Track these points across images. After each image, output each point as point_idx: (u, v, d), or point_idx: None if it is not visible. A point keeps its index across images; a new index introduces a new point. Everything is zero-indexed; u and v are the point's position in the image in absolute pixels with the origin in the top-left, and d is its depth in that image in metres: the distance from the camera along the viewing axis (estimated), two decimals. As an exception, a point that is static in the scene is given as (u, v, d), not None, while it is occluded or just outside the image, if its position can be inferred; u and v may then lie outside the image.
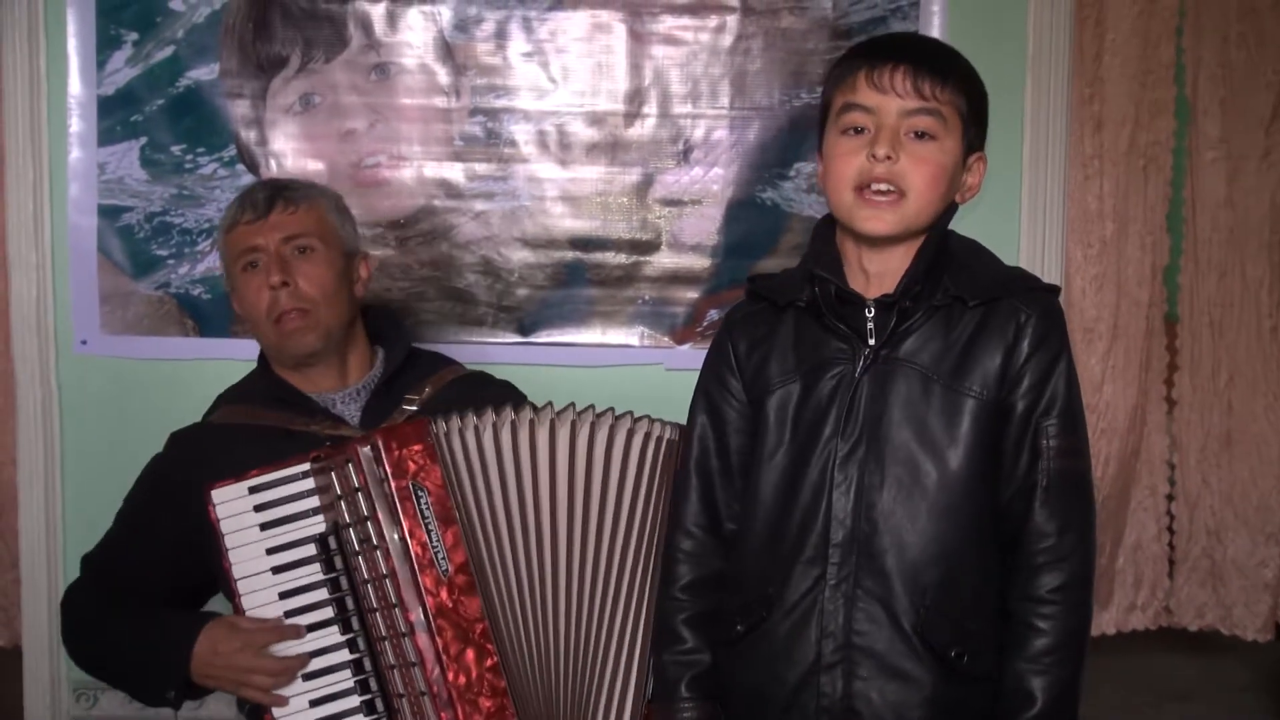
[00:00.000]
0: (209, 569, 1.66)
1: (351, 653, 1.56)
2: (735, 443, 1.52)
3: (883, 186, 1.39)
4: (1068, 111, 2.38)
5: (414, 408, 1.78)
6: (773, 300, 1.50)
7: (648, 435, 1.65)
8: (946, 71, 1.41)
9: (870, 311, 1.42)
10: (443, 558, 1.51)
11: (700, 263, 2.38)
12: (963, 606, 1.40)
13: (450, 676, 1.49)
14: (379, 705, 1.55)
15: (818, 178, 1.51)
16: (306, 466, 1.59)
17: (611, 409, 1.67)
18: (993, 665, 1.40)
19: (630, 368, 2.39)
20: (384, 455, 1.51)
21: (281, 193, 1.83)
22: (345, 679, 1.56)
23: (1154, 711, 2.87)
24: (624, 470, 1.63)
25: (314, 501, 1.58)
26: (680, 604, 1.52)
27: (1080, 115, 2.40)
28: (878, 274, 1.44)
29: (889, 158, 1.38)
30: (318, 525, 1.58)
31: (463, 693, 1.49)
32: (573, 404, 1.66)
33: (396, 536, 1.51)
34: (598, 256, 2.38)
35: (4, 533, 2.44)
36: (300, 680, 1.56)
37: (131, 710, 2.39)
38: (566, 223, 2.37)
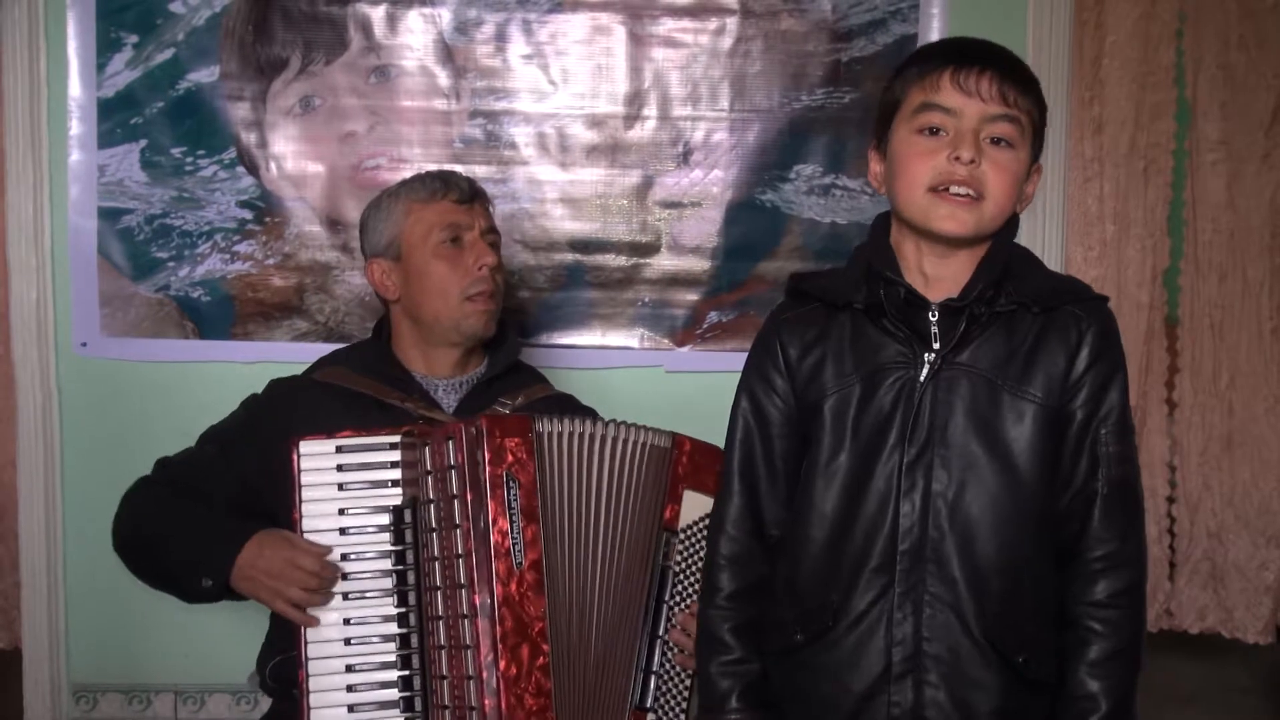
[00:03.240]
0: (270, 514, 1.67)
1: (400, 627, 1.57)
2: (781, 447, 1.49)
3: (962, 190, 1.37)
4: (1068, 114, 2.38)
5: (506, 411, 1.81)
6: (827, 301, 1.48)
7: (647, 446, 1.65)
8: (1026, 80, 1.41)
9: (934, 315, 1.41)
10: (519, 550, 1.53)
11: (700, 265, 2.38)
12: (1027, 612, 1.39)
13: (503, 666, 1.50)
14: (416, 683, 1.56)
15: (871, 175, 1.49)
16: (397, 439, 1.61)
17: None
18: (1054, 670, 1.39)
19: (630, 370, 2.39)
20: (486, 439, 1.54)
21: (480, 191, 1.92)
22: (389, 651, 1.57)
23: (1155, 714, 2.85)
24: (633, 483, 1.65)
25: (395, 474, 1.60)
26: (725, 612, 1.49)
27: (1080, 117, 2.40)
28: (937, 278, 1.43)
29: (973, 162, 1.36)
30: (395, 498, 1.60)
31: (511, 684, 1.50)
32: (645, 428, 1.66)
33: (482, 520, 1.53)
34: (598, 259, 2.38)
35: (4, 535, 2.44)
36: (341, 645, 1.57)
37: (131, 712, 2.40)
38: (566, 225, 2.37)
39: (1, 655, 2.48)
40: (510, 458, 1.55)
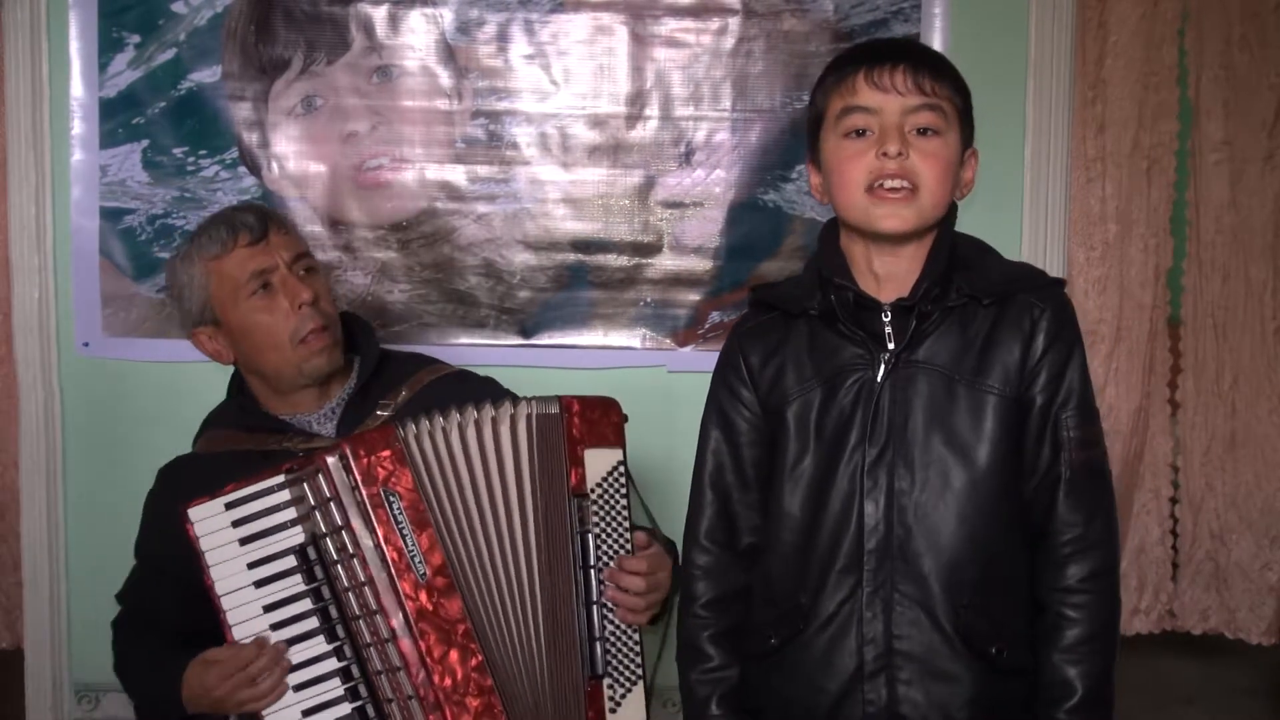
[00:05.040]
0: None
1: (339, 661, 1.56)
2: (750, 455, 1.51)
3: (896, 184, 1.39)
4: (1070, 113, 2.38)
5: (388, 413, 1.77)
6: (784, 309, 1.50)
7: (533, 416, 1.62)
8: (940, 68, 1.42)
9: (887, 315, 1.42)
10: (419, 562, 1.52)
11: (702, 265, 2.38)
12: (999, 603, 1.40)
13: (436, 679, 1.51)
14: (370, 711, 1.55)
15: (813, 190, 1.50)
16: (280, 479, 1.58)
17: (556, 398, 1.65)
18: (1030, 658, 1.40)
19: (632, 370, 2.39)
20: (352, 464, 1.52)
21: (267, 215, 1.80)
22: (334, 687, 1.56)
23: (1157, 715, 2.86)
24: (520, 454, 1.62)
25: (291, 513, 1.57)
26: (703, 621, 1.51)
27: (1083, 117, 2.40)
28: (888, 277, 1.44)
29: (900, 154, 1.38)
30: (296, 537, 1.57)
31: (449, 694, 1.51)
32: (530, 399, 1.65)
33: (371, 544, 1.52)
34: (599, 259, 2.38)
35: (6, 535, 2.44)
36: (291, 692, 1.56)
37: (132, 712, 2.39)
38: (568, 225, 2.37)
39: (4, 655, 2.48)
40: (382, 472, 1.53)
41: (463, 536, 1.56)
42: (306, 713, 1.55)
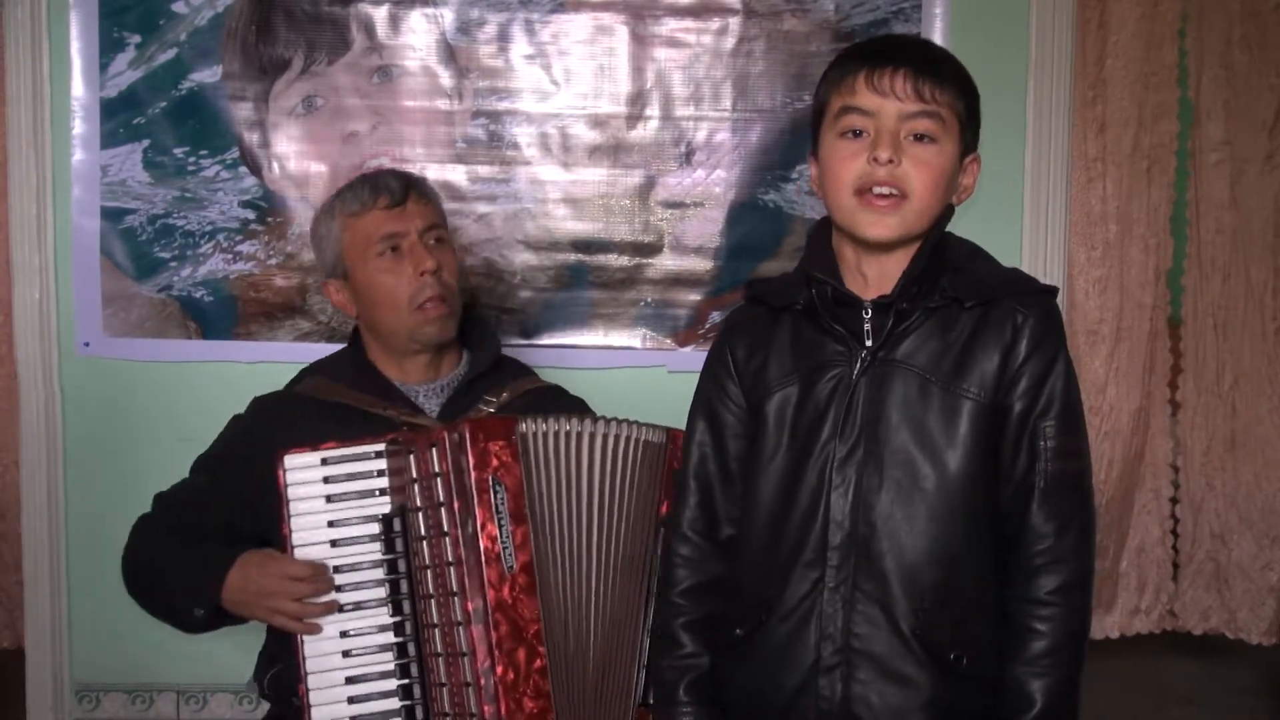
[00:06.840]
0: (263, 534, 1.68)
1: (396, 636, 1.57)
2: (734, 448, 1.51)
3: (885, 190, 1.38)
4: (1070, 114, 2.38)
5: (491, 410, 1.80)
6: (770, 304, 1.50)
7: (641, 441, 1.65)
8: (945, 74, 1.41)
9: (867, 313, 1.42)
10: (510, 554, 1.53)
11: (702, 265, 2.38)
12: (962, 608, 1.39)
13: (499, 671, 1.50)
14: (416, 691, 1.56)
15: (811, 181, 1.50)
16: (381, 447, 1.61)
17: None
18: (993, 666, 1.39)
19: (633, 370, 2.39)
20: (469, 445, 1.53)
21: (413, 183, 1.86)
22: (386, 661, 1.57)
23: (1157, 715, 2.86)
24: (631, 478, 1.64)
25: (382, 482, 1.60)
26: (679, 608, 1.51)
27: (1083, 117, 2.40)
28: (876, 277, 1.44)
29: (891, 161, 1.37)
30: (383, 506, 1.59)
31: (509, 689, 1.50)
32: (637, 424, 1.66)
33: (470, 526, 1.52)
34: (600, 259, 2.38)
35: (7, 535, 2.44)
36: (339, 657, 1.57)
37: (134, 711, 2.40)
38: (569, 225, 2.37)
39: (4, 654, 2.48)
40: (495, 461, 1.54)
41: (551, 541, 1.57)
42: (351, 680, 1.56)
